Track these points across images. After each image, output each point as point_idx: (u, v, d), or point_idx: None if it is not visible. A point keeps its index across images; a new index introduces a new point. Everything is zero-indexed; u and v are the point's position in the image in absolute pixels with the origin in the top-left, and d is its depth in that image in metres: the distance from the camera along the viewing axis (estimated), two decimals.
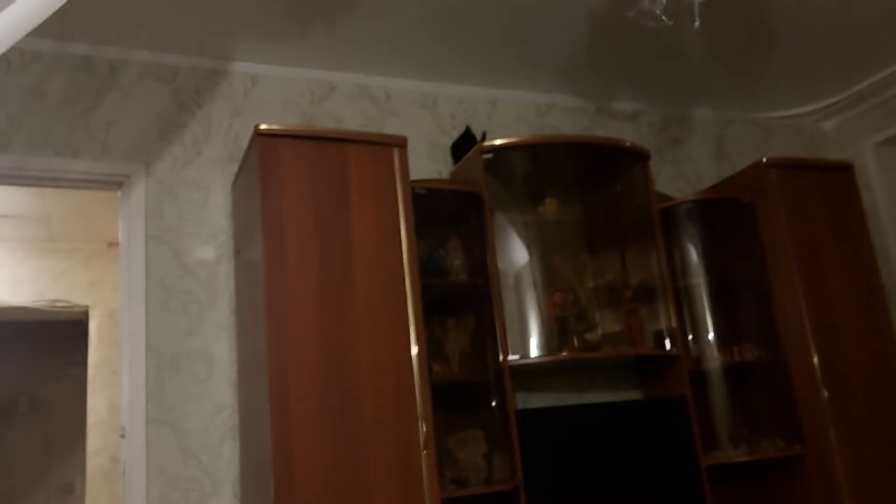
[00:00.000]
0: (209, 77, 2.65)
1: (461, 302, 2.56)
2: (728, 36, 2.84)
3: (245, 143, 2.60)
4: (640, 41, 2.82)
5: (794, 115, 3.60)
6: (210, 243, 2.48)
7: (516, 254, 2.72)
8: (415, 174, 2.72)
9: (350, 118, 2.81)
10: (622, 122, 3.30)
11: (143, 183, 2.44)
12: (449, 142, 2.94)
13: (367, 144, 2.27)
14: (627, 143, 2.77)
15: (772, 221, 2.83)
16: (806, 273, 2.76)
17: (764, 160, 2.88)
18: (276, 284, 2.05)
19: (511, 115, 3.12)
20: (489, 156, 2.57)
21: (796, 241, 2.80)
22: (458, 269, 2.52)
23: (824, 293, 2.77)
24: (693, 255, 2.88)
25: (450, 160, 2.90)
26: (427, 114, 2.97)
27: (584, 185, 2.91)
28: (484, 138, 2.81)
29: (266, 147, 2.15)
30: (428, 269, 2.42)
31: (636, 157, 2.79)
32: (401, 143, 2.32)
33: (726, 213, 2.95)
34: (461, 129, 2.98)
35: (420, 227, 2.33)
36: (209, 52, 2.61)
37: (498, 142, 2.59)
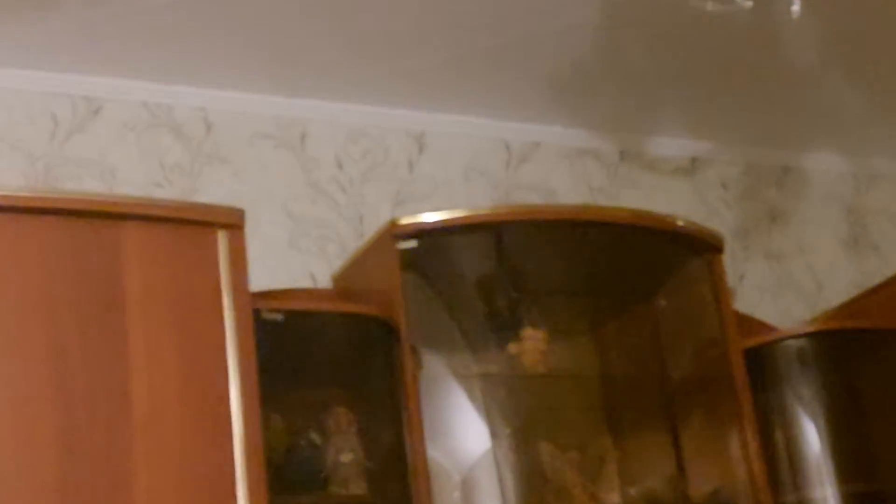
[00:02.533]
0: None
1: None
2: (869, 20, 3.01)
3: None
4: (702, 32, 2.94)
5: None
6: None
7: (466, 439, 2.73)
8: (262, 281, 2.73)
9: (129, 168, 2.86)
10: (670, 177, 3.41)
11: None
12: (333, 214, 3.00)
13: (162, 224, 2.31)
14: (680, 222, 2.86)
15: None
16: None
17: None
18: None
19: (457, 162, 3.18)
20: (410, 244, 2.62)
21: None
22: (350, 473, 2.51)
23: None
24: (812, 438, 2.95)
25: (333, 251, 2.95)
26: (287, 158, 3.03)
27: (597, 301, 2.98)
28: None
29: None
30: (289, 473, 2.41)
31: (697, 248, 2.88)
32: (232, 222, 2.35)
33: (875, 357, 3.03)
34: (358, 188, 3.04)
35: (272, 388, 2.33)
36: None
37: (428, 217, 2.65)
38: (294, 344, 2.48)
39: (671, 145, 3.45)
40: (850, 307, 3.24)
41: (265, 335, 2.34)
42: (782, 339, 3.00)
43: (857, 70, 3.26)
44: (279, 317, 2.44)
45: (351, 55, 2.94)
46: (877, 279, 3.30)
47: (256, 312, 2.35)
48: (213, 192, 2.87)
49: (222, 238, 2.34)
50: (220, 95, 2.98)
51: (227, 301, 2.31)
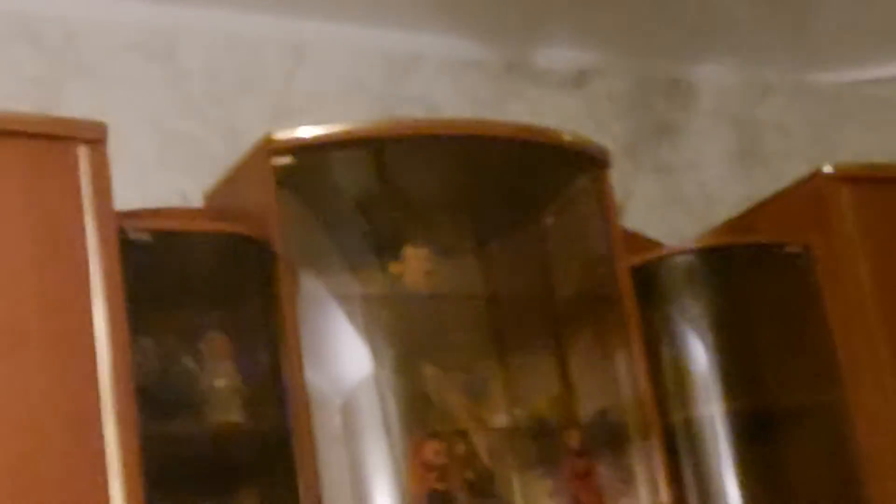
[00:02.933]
0: None
1: (233, 467, 2.54)
2: None
3: None
4: None
5: (887, 80, 3.88)
6: None
7: (346, 361, 2.73)
8: (130, 199, 2.68)
9: None
10: (558, 90, 3.41)
11: None
12: (205, 129, 2.96)
13: (17, 139, 2.25)
14: (567, 137, 2.85)
15: (847, 286, 2.99)
16: None
17: (827, 169, 3.05)
18: None
19: (336, 75, 3.15)
20: (286, 161, 2.58)
21: (893, 321, 2.96)
22: (225, 397, 2.51)
23: None
24: (700, 357, 3.00)
25: (206, 168, 2.88)
26: (155, 69, 2.97)
27: (483, 218, 2.98)
28: None
29: None
30: (159, 398, 2.39)
31: (585, 164, 2.89)
32: (94, 137, 2.31)
33: (763, 273, 3.09)
34: (231, 102, 3.00)
35: (143, 312, 2.32)
36: None
37: (306, 132, 2.61)
38: (164, 265, 2.45)
39: (559, 57, 3.45)
40: (738, 222, 3.27)
41: (133, 256, 2.31)
42: (669, 256, 3.03)
43: None
44: (147, 237, 2.39)
45: None
46: (766, 193, 3.32)
47: (123, 233, 2.32)
48: (75, 106, 2.76)
49: (84, 154, 2.30)
50: (81, 2, 2.90)
51: (89, 221, 2.27)
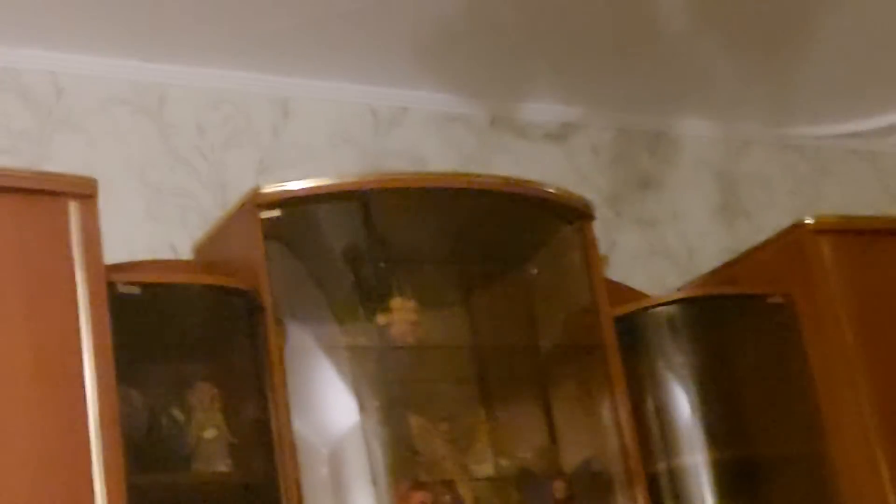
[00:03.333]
0: None
1: None
2: None
3: None
4: None
5: (865, 134, 3.94)
6: None
7: (334, 413, 2.74)
8: (120, 253, 2.69)
9: None
10: (541, 143, 3.45)
11: None
12: (194, 182, 2.98)
13: (8, 194, 2.27)
14: (551, 189, 2.89)
15: (829, 336, 3.02)
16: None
17: (808, 221, 3.08)
18: None
19: (323, 128, 3.18)
20: (274, 214, 2.60)
21: (875, 372, 3.00)
22: (214, 450, 2.52)
23: None
24: (684, 406, 3.02)
25: (195, 221, 2.93)
26: (144, 124, 2.99)
27: (468, 270, 3.00)
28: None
29: None
30: (150, 451, 2.40)
31: (569, 216, 2.92)
32: (84, 192, 2.33)
33: (745, 323, 3.11)
34: (220, 156, 3.03)
35: (131, 364, 2.33)
36: None
37: (293, 185, 2.64)
38: (153, 318, 2.46)
39: (542, 111, 3.49)
40: (721, 273, 3.30)
41: (122, 309, 2.32)
42: (653, 307, 3.05)
43: (728, 35, 3.32)
44: (136, 290, 2.40)
45: (208, 17, 2.90)
46: (748, 245, 3.36)
47: (112, 286, 2.33)
48: (65, 160, 2.80)
49: (74, 209, 2.31)
50: (71, 59, 2.92)
51: (79, 274, 2.29)
